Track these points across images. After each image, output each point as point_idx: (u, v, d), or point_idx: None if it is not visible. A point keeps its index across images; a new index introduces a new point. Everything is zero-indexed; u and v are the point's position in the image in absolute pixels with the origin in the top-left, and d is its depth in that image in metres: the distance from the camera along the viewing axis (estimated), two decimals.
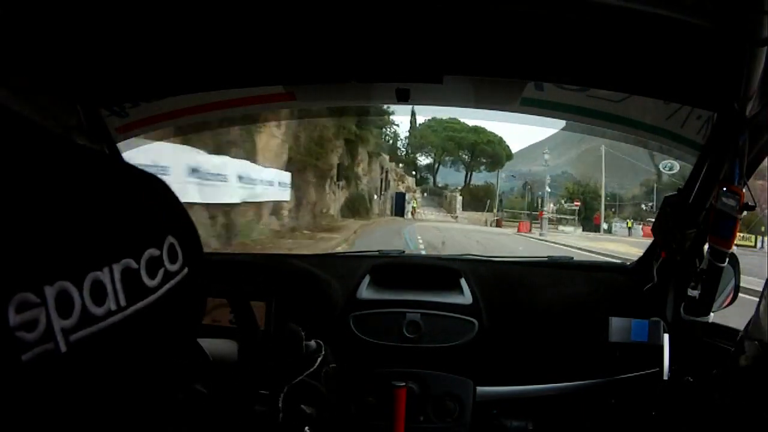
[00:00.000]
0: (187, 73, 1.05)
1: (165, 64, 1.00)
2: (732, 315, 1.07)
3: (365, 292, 1.31)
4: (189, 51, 0.96)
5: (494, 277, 1.38)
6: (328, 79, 1.09)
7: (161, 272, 0.32)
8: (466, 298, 1.29)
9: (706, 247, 1.03)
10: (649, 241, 1.35)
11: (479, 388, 1.21)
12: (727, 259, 0.99)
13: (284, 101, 1.29)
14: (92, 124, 1.09)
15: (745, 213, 0.95)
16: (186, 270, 0.34)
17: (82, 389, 0.27)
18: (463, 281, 1.34)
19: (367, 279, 1.34)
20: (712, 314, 1.06)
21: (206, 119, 1.37)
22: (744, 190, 0.95)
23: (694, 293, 1.04)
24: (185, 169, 6.48)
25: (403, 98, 1.18)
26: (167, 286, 0.33)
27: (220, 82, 1.13)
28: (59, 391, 0.26)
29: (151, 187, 0.35)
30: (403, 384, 1.05)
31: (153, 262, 0.32)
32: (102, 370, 0.28)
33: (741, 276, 1.07)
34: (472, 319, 1.24)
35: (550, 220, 29.16)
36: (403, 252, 1.64)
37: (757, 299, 0.82)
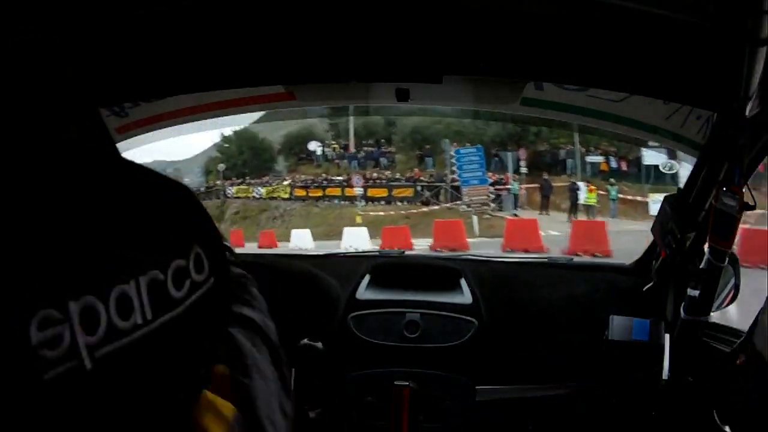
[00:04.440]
0: (187, 73, 1.05)
1: (165, 64, 1.00)
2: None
3: (365, 292, 1.31)
4: (189, 51, 0.96)
5: (494, 277, 1.38)
6: (329, 79, 1.09)
7: (188, 283, 0.31)
8: (465, 297, 1.29)
9: (706, 247, 1.03)
10: None
11: (479, 388, 1.21)
12: (727, 259, 0.99)
13: (284, 101, 1.29)
14: (92, 124, 1.08)
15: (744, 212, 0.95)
16: (212, 280, 0.33)
17: (109, 406, 0.26)
18: (463, 281, 1.33)
19: (367, 279, 1.34)
20: (711, 314, 1.06)
21: (206, 119, 1.37)
22: (744, 190, 0.95)
23: (694, 293, 1.04)
24: None
25: (402, 98, 1.18)
26: (193, 297, 0.31)
27: (220, 82, 1.12)
28: (85, 409, 0.24)
29: (176, 195, 0.34)
30: (407, 384, 1.05)
31: (180, 273, 0.30)
32: (129, 385, 0.27)
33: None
34: (472, 318, 1.24)
35: None
36: (404, 252, 1.65)
37: None
